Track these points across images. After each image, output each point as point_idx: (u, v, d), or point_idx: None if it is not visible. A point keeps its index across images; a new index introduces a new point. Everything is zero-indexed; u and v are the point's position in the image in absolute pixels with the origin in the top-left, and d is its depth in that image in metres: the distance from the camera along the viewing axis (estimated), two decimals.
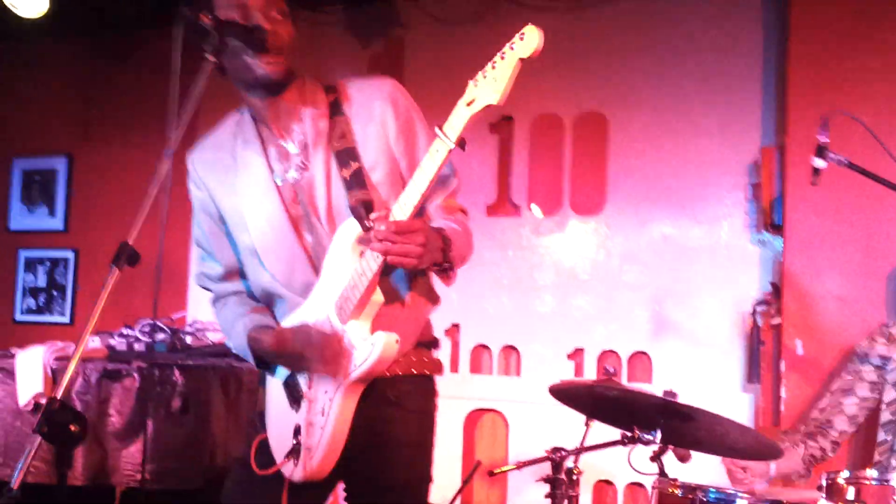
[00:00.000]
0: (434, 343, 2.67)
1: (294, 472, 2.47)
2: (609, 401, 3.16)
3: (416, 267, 2.32)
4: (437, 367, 2.65)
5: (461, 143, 2.23)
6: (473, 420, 5.12)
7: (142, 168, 5.97)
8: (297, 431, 2.46)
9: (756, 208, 4.61)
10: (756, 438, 2.96)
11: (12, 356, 4.80)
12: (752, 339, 4.46)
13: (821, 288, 4.17)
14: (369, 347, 2.35)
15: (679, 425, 2.98)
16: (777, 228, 4.37)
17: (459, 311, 5.13)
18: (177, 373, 4.65)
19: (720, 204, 4.74)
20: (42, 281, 6.28)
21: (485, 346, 5.14)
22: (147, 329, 5.37)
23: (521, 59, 2.25)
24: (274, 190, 2.52)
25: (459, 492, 4.21)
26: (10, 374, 4.77)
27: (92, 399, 4.68)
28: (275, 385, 2.58)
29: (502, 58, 2.26)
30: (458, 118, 2.26)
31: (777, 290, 4.41)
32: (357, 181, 2.47)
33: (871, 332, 3.67)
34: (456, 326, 5.17)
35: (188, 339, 5.23)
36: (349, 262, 2.38)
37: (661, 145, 4.86)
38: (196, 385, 4.63)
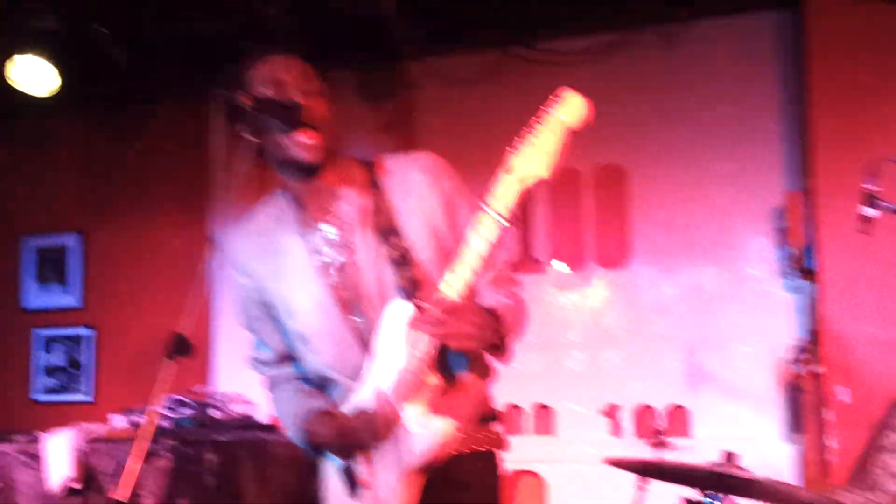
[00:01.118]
0: (495, 416, 2.58)
1: None
2: (663, 465, 3.11)
3: (471, 349, 2.26)
4: (500, 442, 2.55)
5: (511, 219, 2.16)
6: (511, 483, 5.03)
7: (158, 241, 5.94)
8: None
9: (785, 254, 4.57)
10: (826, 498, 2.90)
11: (37, 441, 4.74)
12: (792, 388, 4.41)
13: (862, 333, 4.13)
14: (428, 435, 2.27)
15: (741, 487, 2.93)
16: (809, 273, 4.33)
17: None
18: (209, 450, 4.58)
19: (746, 250, 4.73)
20: (60, 360, 6.21)
21: (517, 406, 5.07)
22: (173, 406, 5.31)
23: (569, 129, 2.19)
24: (317, 275, 2.45)
25: None
26: (36, 458, 4.70)
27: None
28: (332, 470, 2.46)
29: (542, 123, 2.20)
30: (507, 192, 2.18)
31: (815, 336, 4.35)
32: (404, 259, 2.40)
33: None
34: None
35: (216, 414, 5.17)
36: (401, 343, 2.29)
37: (682, 195, 4.84)
38: (228, 461, 4.57)
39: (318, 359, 2.47)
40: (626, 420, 4.82)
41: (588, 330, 4.97)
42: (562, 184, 5.10)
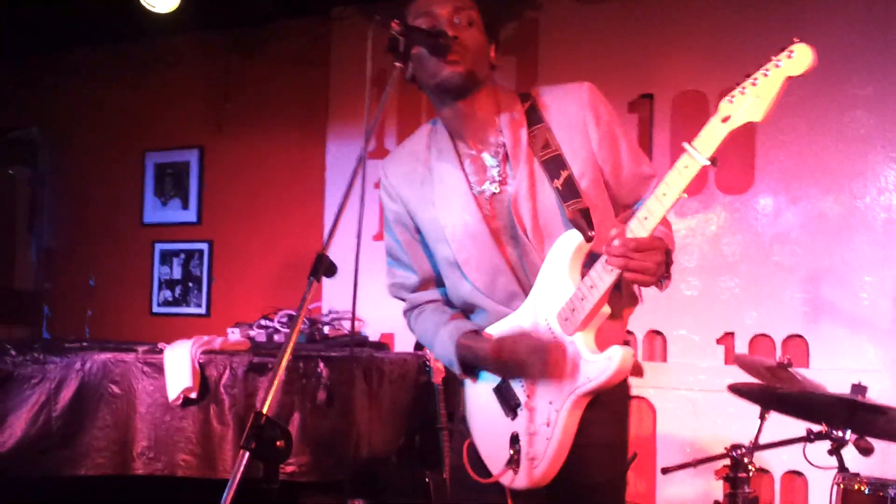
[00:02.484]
0: (628, 343, 2.53)
1: (515, 480, 2.43)
2: (787, 395, 3.02)
3: (650, 283, 2.28)
4: (636, 369, 2.48)
5: (714, 160, 2.13)
6: None
7: (276, 159, 5.99)
8: (514, 440, 2.43)
9: None
10: None
11: (160, 351, 4.86)
12: None
13: None
14: (605, 362, 2.30)
15: (867, 419, 2.84)
16: None
17: None
18: (321, 364, 4.64)
19: (878, 179, 4.53)
20: (177, 273, 6.35)
21: (628, 332, 4.99)
22: (285, 320, 5.40)
23: (790, 77, 2.15)
24: (473, 202, 2.49)
25: None
26: (159, 369, 4.83)
27: (239, 392, 4.71)
28: (481, 391, 2.54)
29: (766, 75, 2.16)
30: (713, 134, 2.15)
31: None
32: (570, 191, 2.42)
33: None
34: None
35: (326, 330, 5.24)
36: (573, 273, 2.35)
37: (814, 118, 4.65)
38: (340, 376, 4.62)
39: (468, 285, 2.52)
40: (742, 349, 4.71)
41: (705, 257, 4.85)
42: (687, 106, 4.95)
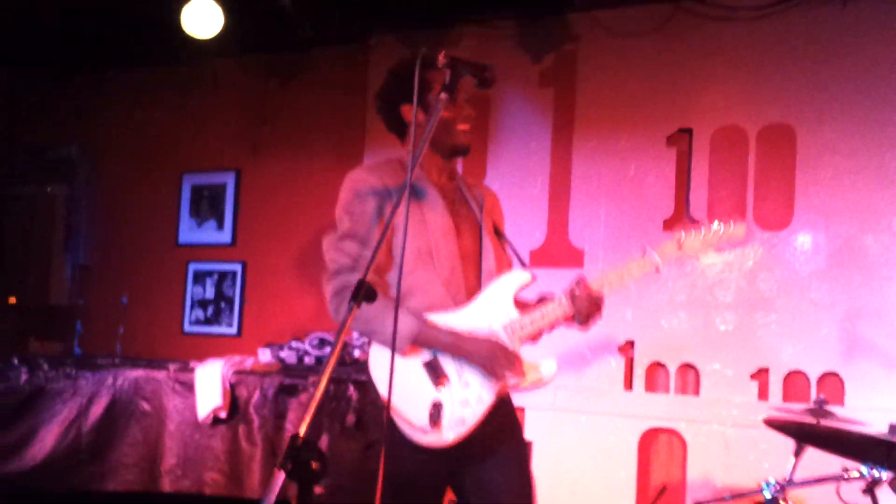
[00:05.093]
0: None
1: (441, 437, 2.94)
2: (824, 431, 2.98)
3: (587, 327, 3.10)
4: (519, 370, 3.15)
5: (660, 269, 3.05)
6: (649, 440, 4.96)
7: (312, 183, 6.03)
8: (437, 406, 2.94)
9: None
10: None
11: (192, 370, 4.89)
12: None
13: None
14: (550, 369, 3.07)
15: None
16: None
17: (634, 328, 5.00)
18: (351, 388, 4.65)
19: None
20: (210, 293, 6.38)
21: (661, 364, 4.97)
22: (316, 342, 5.42)
23: (723, 247, 3.15)
24: (452, 223, 3.16)
25: None
26: (189, 387, 4.85)
27: (269, 413, 4.73)
28: (408, 364, 2.99)
29: (715, 232, 3.11)
30: (668, 254, 3.06)
31: None
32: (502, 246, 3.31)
33: None
34: (630, 343, 5.02)
35: (356, 353, 5.24)
36: (512, 298, 3.09)
37: (853, 157, 4.63)
38: (369, 400, 4.61)
39: (432, 275, 3.06)
40: (776, 385, 4.67)
41: (741, 292, 4.82)
42: (726, 142, 4.94)
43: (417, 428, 2.94)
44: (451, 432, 2.96)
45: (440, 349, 3.02)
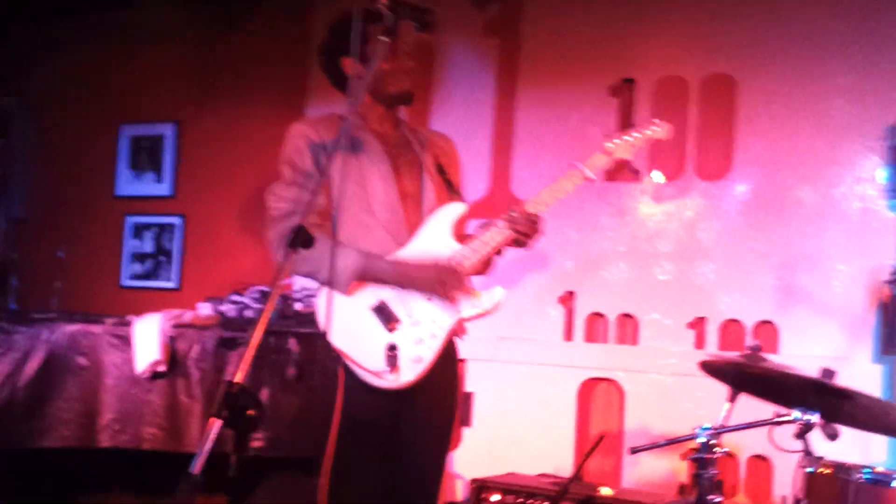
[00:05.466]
0: None
1: (399, 378, 3.05)
2: (757, 376, 3.02)
3: (529, 247, 3.28)
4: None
5: (591, 178, 3.28)
6: (587, 389, 5.00)
7: (254, 135, 5.94)
8: (392, 348, 3.04)
9: (894, 173, 4.37)
10: None
11: (128, 324, 4.82)
12: (889, 310, 4.26)
13: None
14: (498, 295, 3.20)
15: (834, 403, 2.84)
16: None
17: (574, 279, 5.02)
18: (292, 341, 4.63)
19: (855, 168, 4.53)
20: (149, 247, 6.30)
21: (600, 315, 5.00)
22: (257, 296, 5.37)
23: (656, 139, 3.45)
24: (390, 167, 3.29)
25: (581, 464, 4.09)
26: (127, 341, 4.79)
27: (209, 367, 4.69)
28: (354, 309, 3.11)
29: (640, 134, 3.39)
30: (597, 163, 3.30)
31: None
32: (448, 186, 3.44)
33: None
34: (571, 294, 5.05)
35: (297, 306, 5.21)
36: (451, 230, 3.24)
37: (793, 107, 4.65)
38: (310, 353, 4.60)
39: (372, 220, 3.20)
40: (713, 334, 4.72)
41: (680, 242, 4.85)
42: (668, 92, 4.94)
43: (374, 372, 3.03)
44: (409, 372, 3.07)
45: (386, 280, 3.13)
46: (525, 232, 3.18)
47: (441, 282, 3.12)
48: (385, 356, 3.04)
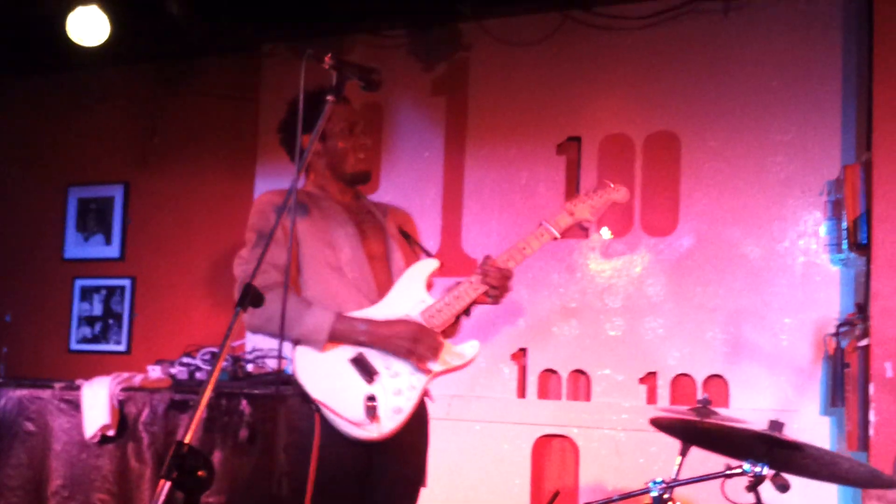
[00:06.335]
0: None
1: (380, 428, 3.07)
2: (706, 431, 3.05)
3: (500, 301, 3.32)
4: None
5: (557, 237, 3.37)
6: (542, 446, 5.01)
7: (204, 195, 5.94)
8: (371, 398, 3.07)
9: (836, 227, 4.48)
10: (871, 472, 2.84)
11: (77, 388, 4.76)
12: (835, 362, 4.33)
13: None
14: (474, 348, 3.27)
15: (784, 455, 2.87)
16: (861, 247, 4.23)
17: (527, 336, 5.05)
18: (244, 402, 4.59)
19: (798, 223, 4.64)
20: (98, 309, 6.24)
21: (553, 371, 5.03)
22: (208, 357, 5.32)
23: (614, 202, 3.47)
24: (356, 230, 3.33)
25: None
26: (76, 406, 4.73)
27: (159, 430, 4.64)
28: (331, 361, 3.12)
29: (599, 196, 3.45)
30: (562, 222, 3.36)
31: (863, 310, 4.28)
32: (411, 247, 3.52)
33: None
34: (523, 351, 5.08)
35: (249, 367, 5.17)
36: (424, 285, 3.30)
37: (736, 164, 4.76)
38: (262, 414, 4.57)
39: (342, 280, 3.23)
40: (664, 388, 4.77)
41: (630, 298, 4.91)
42: (614, 149, 5.03)
43: (354, 423, 3.04)
44: (390, 422, 3.09)
45: (359, 338, 3.14)
46: (497, 286, 3.23)
47: (415, 339, 3.14)
48: (364, 407, 3.05)
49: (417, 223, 3.74)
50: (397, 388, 3.13)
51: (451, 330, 3.35)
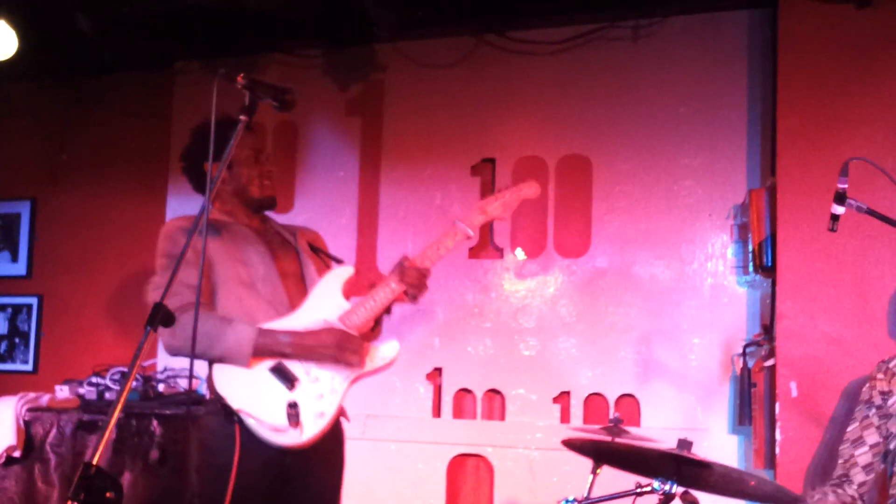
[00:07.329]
0: None
1: (302, 434, 3.10)
2: (617, 450, 3.11)
3: (418, 299, 3.37)
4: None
5: (471, 236, 3.43)
6: (457, 466, 5.03)
7: (114, 213, 5.84)
8: (292, 405, 3.08)
9: (743, 249, 4.61)
10: (777, 488, 2.92)
11: None
12: (743, 381, 4.44)
13: (814, 329, 4.15)
14: (394, 349, 3.36)
15: (693, 473, 2.94)
16: (767, 270, 4.36)
17: (442, 355, 5.07)
18: (154, 423, 4.53)
19: (706, 245, 4.75)
20: (3, 328, 6.09)
21: (467, 391, 5.06)
22: (118, 377, 5.24)
23: (526, 198, 3.54)
24: (267, 249, 3.39)
25: None
26: None
27: (66, 451, 4.56)
28: (253, 373, 3.14)
29: (511, 192, 3.51)
30: (475, 220, 3.42)
31: (768, 331, 4.40)
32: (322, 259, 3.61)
33: (871, 372, 3.60)
34: (438, 370, 5.10)
35: (160, 387, 5.10)
36: (341, 291, 3.34)
37: (646, 187, 4.87)
38: (174, 435, 4.52)
39: (257, 298, 3.26)
40: (577, 407, 4.83)
41: (543, 318, 4.97)
42: (527, 172, 5.09)
43: (277, 430, 3.07)
44: (313, 427, 3.13)
45: (284, 350, 3.17)
46: (415, 284, 3.29)
47: (339, 347, 3.18)
48: (287, 414, 3.08)
49: (332, 243, 3.75)
50: (319, 392, 3.17)
51: (372, 333, 3.43)
